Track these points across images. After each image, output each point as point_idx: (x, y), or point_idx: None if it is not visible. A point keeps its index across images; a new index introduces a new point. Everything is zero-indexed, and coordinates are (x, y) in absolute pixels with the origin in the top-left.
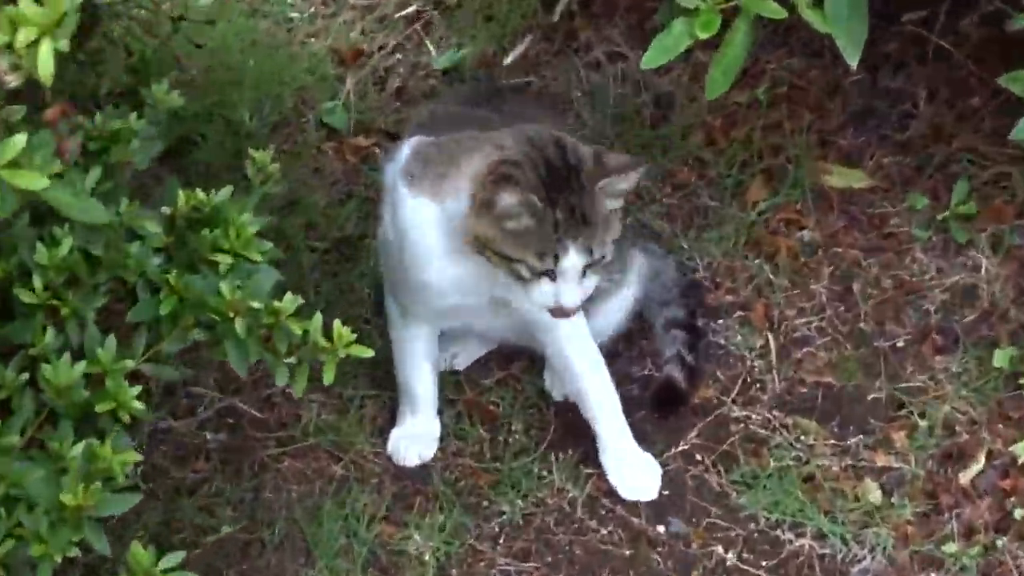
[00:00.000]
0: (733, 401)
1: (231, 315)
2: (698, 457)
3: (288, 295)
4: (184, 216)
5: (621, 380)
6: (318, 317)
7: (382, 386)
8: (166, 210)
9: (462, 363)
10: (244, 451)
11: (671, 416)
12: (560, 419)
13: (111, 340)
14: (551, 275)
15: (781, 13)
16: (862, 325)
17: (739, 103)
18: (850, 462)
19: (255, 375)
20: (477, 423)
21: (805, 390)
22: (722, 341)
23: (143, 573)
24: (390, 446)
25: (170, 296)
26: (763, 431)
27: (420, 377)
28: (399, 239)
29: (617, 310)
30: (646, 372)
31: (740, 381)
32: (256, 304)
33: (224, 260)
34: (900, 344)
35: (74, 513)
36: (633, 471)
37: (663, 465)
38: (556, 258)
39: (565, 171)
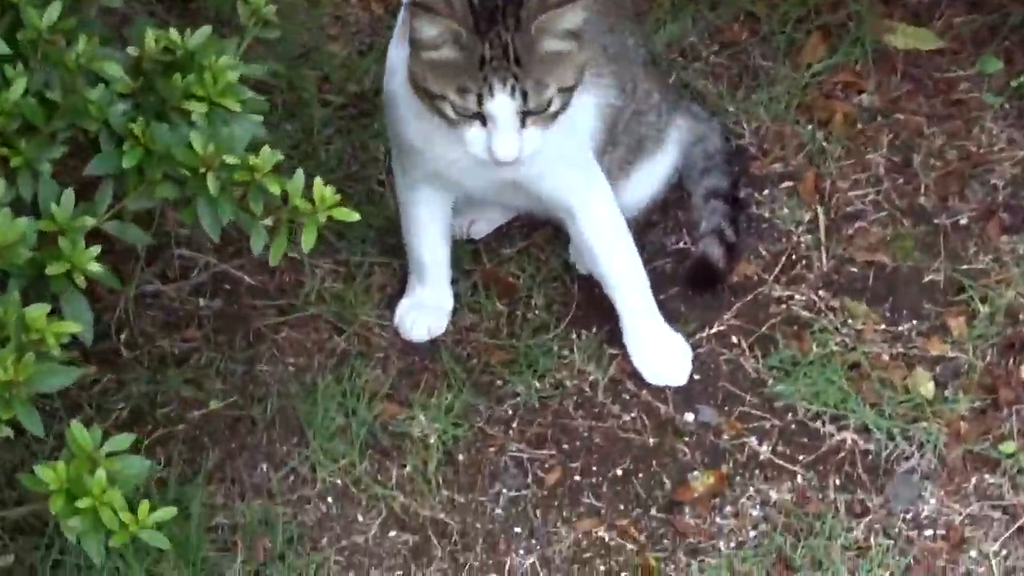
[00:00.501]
0: (775, 280)
1: (202, 170)
2: (733, 339)
3: (266, 148)
4: (153, 59)
5: (654, 253)
6: (299, 175)
7: (394, 253)
8: (133, 51)
9: (480, 231)
10: (239, 319)
11: (706, 294)
12: (584, 294)
13: (68, 195)
14: (482, 120)
15: None
16: (922, 200)
17: None
18: (901, 350)
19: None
20: (494, 296)
21: (855, 269)
22: (766, 214)
23: (85, 456)
24: (396, 317)
25: (135, 147)
26: (807, 313)
27: (428, 243)
28: (385, 89)
29: (652, 179)
30: (681, 245)
31: (784, 258)
32: (231, 159)
33: (197, 108)
34: (963, 221)
35: (3, 388)
36: (660, 353)
37: (694, 347)
38: (480, 97)
39: (502, 5)
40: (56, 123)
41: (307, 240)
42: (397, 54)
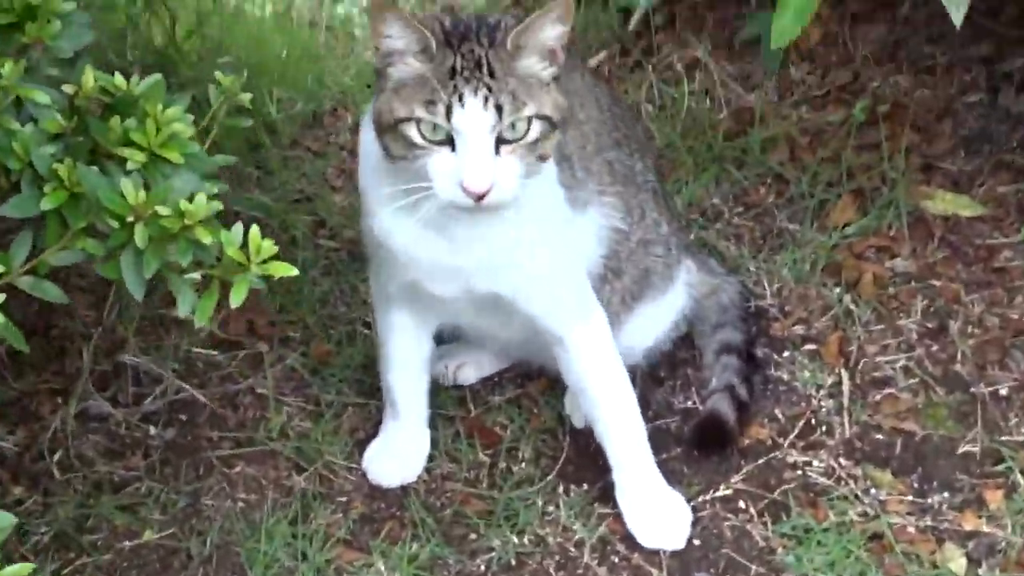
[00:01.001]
0: (791, 444)
1: (131, 219)
2: (740, 504)
3: (201, 196)
4: (91, 98)
5: (658, 411)
6: (237, 228)
7: (372, 395)
8: (69, 88)
9: (469, 377)
10: (190, 450)
11: (713, 456)
12: (576, 448)
13: None
14: (452, 145)
15: None
16: (958, 367)
17: (831, 122)
18: (930, 523)
19: (222, 369)
20: (477, 445)
21: (881, 437)
22: (785, 376)
23: None
24: (365, 459)
25: (58, 190)
26: (824, 480)
27: (404, 376)
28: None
29: (658, 320)
30: (689, 404)
31: (802, 422)
32: (164, 210)
33: (134, 156)
34: (1003, 392)
35: None
36: (656, 513)
37: (696, 510)
38: (449, 110)
39: (476, 25)
40: None
41: (236, 295)
42: (365, 136)
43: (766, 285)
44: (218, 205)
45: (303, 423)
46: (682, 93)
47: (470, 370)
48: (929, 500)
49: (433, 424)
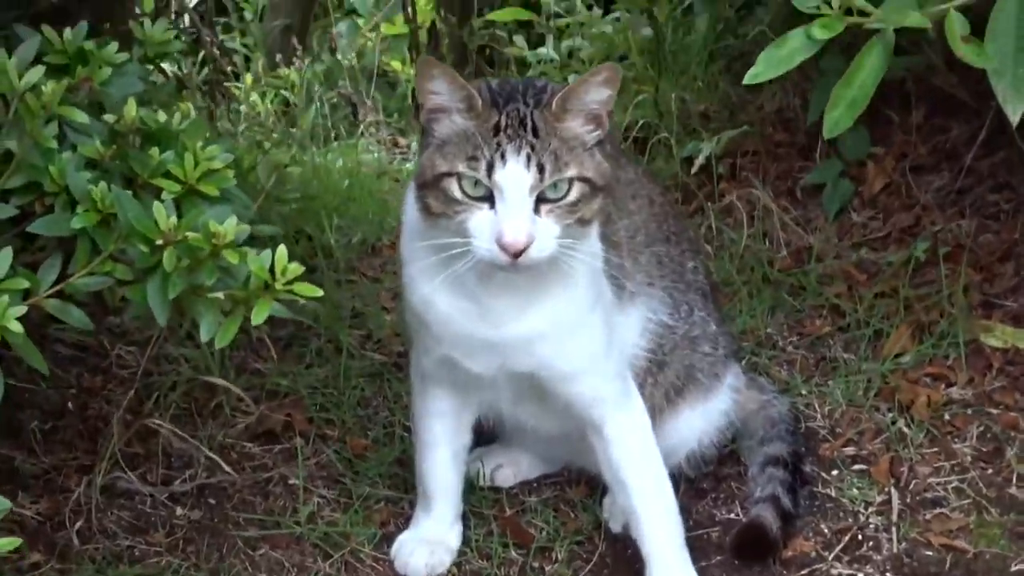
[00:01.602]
0: (836, 558)
1: (160, 243)
2: None
3: (232, 219)
4: (131, 130)
5: (699, 521)
6: (267, 253)
7: (405, 489)
8: (110, 118)
9: (506, 479)
10: (215, 532)
11: (755, 565)
12: (613, 553)
13: (6, 254)
14: (491, 202)
15: (923, 22)
16: (1012, 490)
17: (891, 262)
18: None
19: (255, 460)
20: (510, 544)
21: (930, 553)
22: (832, 493)
23: None
24: (394, 548)
25: (90, 211)
26: None
27: (438, 464)
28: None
29: (702, 422)
30: (732, 516)
31: (848, 537)
32: (193, 235)
33: (170, 187)
34: None
35: None
36: None
37: None
38: (491, 167)
39: (523, 87)
40: (12, 179)
41: (258, 314)
42: (409, 201)
43: (817, 407)
44: (247, 228)
45: (333, 513)
46: (741, 234)
47: (508, 472)
48: None
49: (466, 522)
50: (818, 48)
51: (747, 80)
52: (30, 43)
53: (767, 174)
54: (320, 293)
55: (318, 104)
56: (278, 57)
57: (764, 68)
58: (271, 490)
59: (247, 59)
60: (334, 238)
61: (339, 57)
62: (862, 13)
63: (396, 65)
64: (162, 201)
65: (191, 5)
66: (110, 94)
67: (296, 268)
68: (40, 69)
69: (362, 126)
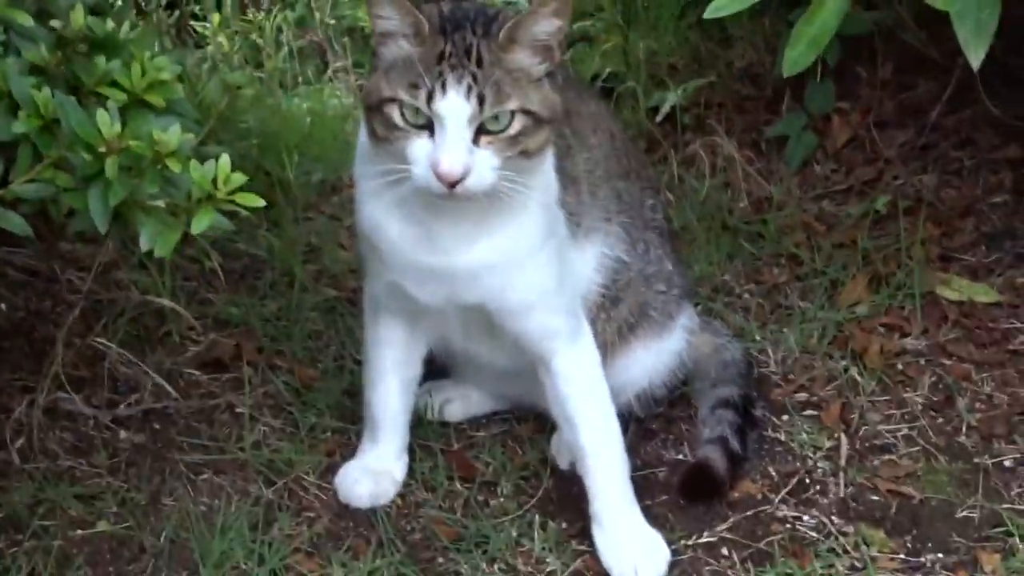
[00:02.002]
0: (783, 500)
1: (102, 150)
2: (723, 551)
3: (176, 127)
4: (78, 37)
5: (647, 461)
6: (210, 163)
7: (353, 420)
8: (56, 23)
9: (455, 414)
10: (158, 456)
11: (700, 504)
12: (559, 488)
13: None
14: (431, 131)
15: None
16: (962, 439)
17: (851, 214)
18: None
19: (202, 388)
20: (456, 478)
21: (877, 498)
22: (782, 437)
23: None
24: (338, 477)
25: (32, 117)
26: (814, 534)
27: (386, 393)
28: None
29: (653, 362)
30: (680, 457)
31: (795, 480)
32: (137, 144)
33: (115, 96)
34: (1007, 463)
35: None
36: (631, 549)
37: (676, 554)
38: (431, 95)
39: (474, 15)
40: None
41: (199, 223)
42: (362, 124)
43: (770, 353)
44: (191, 137)
45: (279, 442)
46: (703, 184)
47: (457, 407)
48: (922, 559)
49: (412, 455)
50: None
51: (708, 13)
52: None
53: (732, 126)
54: (262, 203)
55: (287, 49)
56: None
57: (726, 1)
58: (217, 417)
59: (217, 3)
60: (293, 175)
61: (312, 5)
62: None
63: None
64: (107, 109)
65: None
66: (58, 2)
67: (239, 178)
68: None
69: (330, 70)
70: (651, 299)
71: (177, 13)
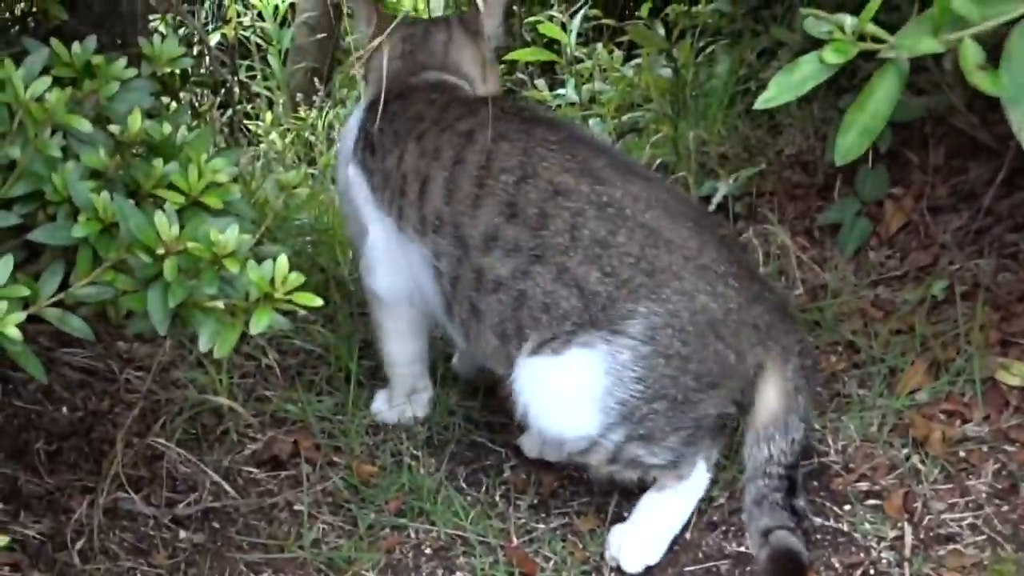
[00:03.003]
0: None
1: (161, 252)
2: None
3: (234, 228)
4: (136, 141)
5: (709, 554)
6: (268, 263)
7: (414, 519)
8: (114, 128)
9: None
10: (218, 556)
11: None
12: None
13: (7, 261)
14: None
15: (936, 48)
16: None
17: (908, 300)
18: None
19: (261, 486)
20: (516, 574)
21: None
22: (845, 527)
23: None
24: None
25: (92, 220)
26: None
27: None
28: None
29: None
30: (742, 549)
31: (860, 572)
32: (195, 245)
33: (173, 199)
34: None
35: None
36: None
37: None
38: None
39: None
40: (15, 186)
41: (257, 322)
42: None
43: (831, 442)
44: (248, 238)
45: (338, 539)
46: (756, 264)
47: None
48: None
49: (472, 551)
50: (831, 73)
51: (759, 104)
52: (37, 55)
53: (784, 213)
54: (319, 303)
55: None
56: (299, 96)
57: (777, 92)
58: (276, 515)
59: (270, 102)
60: (348, 271)
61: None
62: (876, 40)
63: None
64: (165, 212)
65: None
66: (117, 109)
67: (297, 278)
68: (46, 80)
69: None
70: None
71: (230, 112)
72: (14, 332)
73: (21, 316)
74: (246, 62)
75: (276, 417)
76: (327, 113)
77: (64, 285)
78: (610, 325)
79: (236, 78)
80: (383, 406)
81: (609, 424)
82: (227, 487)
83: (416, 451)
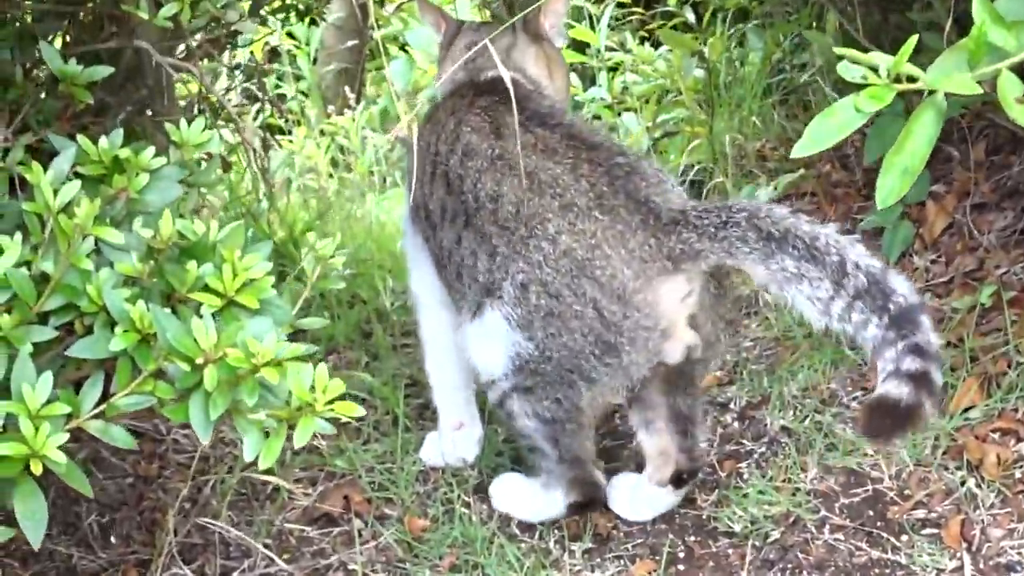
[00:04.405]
0: None
1: (201, 362)
2: None
3: (271, 335)
4: (168, 243)
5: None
6: (307, 370)
7: (466, 572)
8: (145, 232)
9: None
10: None
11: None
12: None
13: (46, 378)
14: None
15: (974, 88)
16: None
17: (956, 308)
18: None
19: (314, 545)
20: None
21: None
22: (902, 560)
23: None
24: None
25: (129, 332)
26: None
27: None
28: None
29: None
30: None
31: None
32: (234, 353)
33: (209, 301)
34: None
35: None
36: None
37: None
38: None
39: None
40: (49, 301)
41: (301, 435)
42: None
43: (884, 468)
44: (287, 346)
45: None
46: None
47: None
48: None
49: None
50: (865, 119)
51: (795, 153)
52: (65, 155)
53: (825, 216)
54: (362, 413)
55: (373, 149)
56: (330, 109)
57: (811, 141)
58: None
59: (301, 109)
60: (389, 301)
61: (394, 97)
62: (911, 79)
63: None
64: (200, 316)
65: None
66: (148, 201)
67: (337, 386)
68: (75, 185)
69: None
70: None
71: (261, 120)
72: (59, 455)
73: (63, 438)
74: (274, 65)
75: (324, 470)
76: (361, 114)
77: (104, 396)
78: (500, 287)
79: (266, 96)
80: (432, 450)
81: (508, 371)
82: (275, 558)
83: (467, 498)
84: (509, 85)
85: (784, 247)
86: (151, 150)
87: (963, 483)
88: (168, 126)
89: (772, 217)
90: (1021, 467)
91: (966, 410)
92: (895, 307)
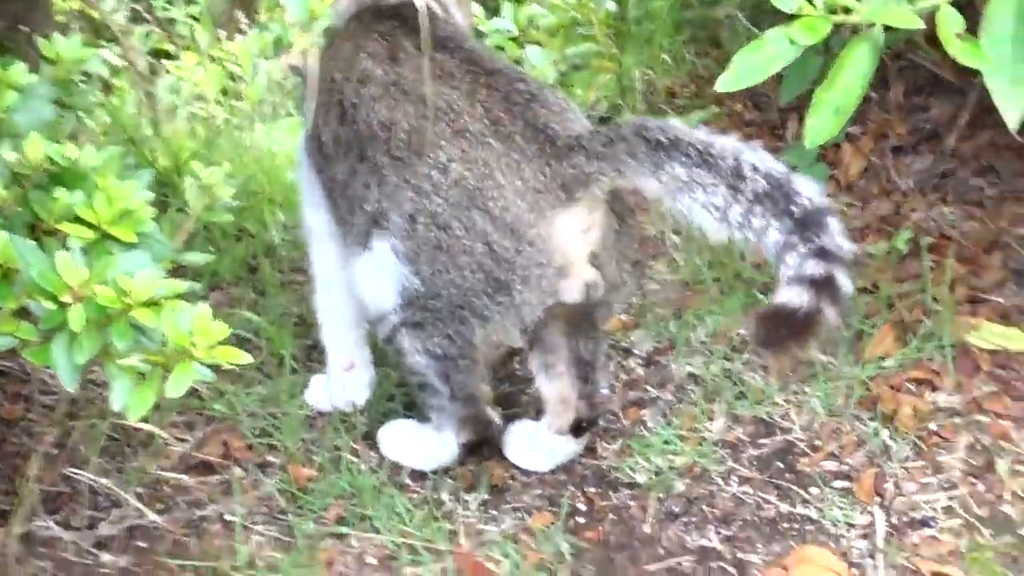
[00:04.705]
0: None
1: (67, 300)
2: None
3: (146, 272)
4: (37, 168)
5: (671, 549)
6: (186, 311)
7: (354, 526)
8: (9, 155)
9: None
10: None
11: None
12: None
13: None
14: None
15: (914, 22)
16: (1006, 508)
17: (872, 255)
18: None
19: (190, 494)
20: None
21: None
22: (813, 514)
23: None
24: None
25: None
26: None
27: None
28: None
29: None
30: (704, 543)
31: None
32: (104, 291)
33: (80, 234)
34: None
35: None
36: None
37: None
38: None
39: None
40: None
41: (176, 383)
42: None
43: (794, 417)
44: (163, 284)
45: (274, 553)
46: None
47: None
48: None
49: (420, 557)
50: (799, 53)
51: (719, 87)
52: None
53: None
54: (248, 360)
55: (266, 76)
56: (221, 34)
57: (737, 76)
58: (207, 528)
59: (191, 33)
60: (278, 235)
61: (289, 25)
62: (847, 11)
63: None
64: (68, 249)
65: None
66: (16, 122)
67: (221, 330)
68: None
69: None
70: None
71: (147, 43)
72: None
73: None
74: None
75: (203, 414)
76: (253, 40)
77: None
78: (387, 217)
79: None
80: (320, 394)
81: (397, 305)
82: (147, 511)
83: (355, 445)
84: (422, 7)
85: (674, 155)
86: (21, 66)
87: (876, 434)
88: (41, 41)
89: (662, 126)
90: (937, 419)
91: (881, 359)
92: (799, 210)
